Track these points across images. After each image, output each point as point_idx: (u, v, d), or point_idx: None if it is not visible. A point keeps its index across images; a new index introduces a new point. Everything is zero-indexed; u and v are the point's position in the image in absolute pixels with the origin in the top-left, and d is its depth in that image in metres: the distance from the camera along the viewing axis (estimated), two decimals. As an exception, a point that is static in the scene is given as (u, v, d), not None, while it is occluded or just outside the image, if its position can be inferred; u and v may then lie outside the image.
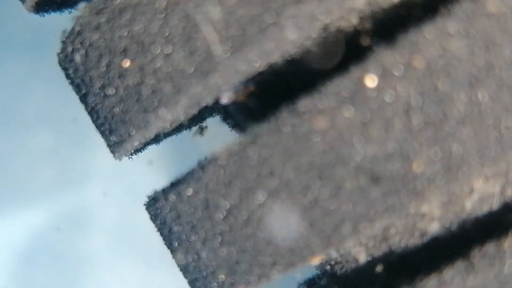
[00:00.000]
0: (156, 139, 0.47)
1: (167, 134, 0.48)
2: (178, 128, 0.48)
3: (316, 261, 0.43)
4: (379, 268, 0.44)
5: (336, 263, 0.45)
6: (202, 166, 0.42)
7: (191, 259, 0.43)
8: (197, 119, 0.49)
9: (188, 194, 0.43)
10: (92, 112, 0.44)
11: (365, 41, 0.42)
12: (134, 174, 0.73)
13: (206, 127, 0.60)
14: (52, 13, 0.53)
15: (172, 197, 0.43)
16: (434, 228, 0.42)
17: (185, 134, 0.54)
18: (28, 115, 0.73)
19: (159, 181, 0.47)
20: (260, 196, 0.41)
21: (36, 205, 0.72)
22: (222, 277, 0.42)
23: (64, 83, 0.46)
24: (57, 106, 0.73)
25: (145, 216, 0.72)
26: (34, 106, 0.73)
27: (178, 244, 0.44)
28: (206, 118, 0.52)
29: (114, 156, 0.44)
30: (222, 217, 0.42)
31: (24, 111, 0.73)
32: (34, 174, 0.72)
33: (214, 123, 0.60)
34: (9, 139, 0.72)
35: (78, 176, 0.73)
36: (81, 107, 0.45)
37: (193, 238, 0.43)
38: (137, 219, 0.70)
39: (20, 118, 0.73)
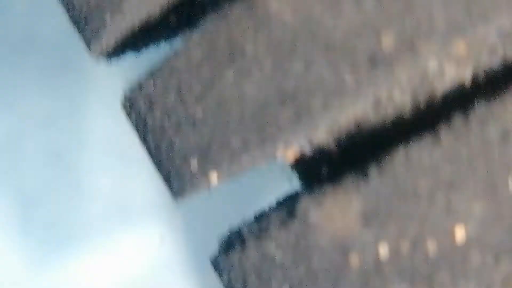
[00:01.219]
0: (135, 40, 0.47)
1: (147, 35, 0.47)
2: (160, 30, 0.48)
3: (290, 156, 0.43)
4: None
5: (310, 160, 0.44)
6: (174, 52, 0.42)
7: (164, 148, 0.43)
8: (182, 14, 0.48)
9: (161, 81, 0.43)
10: (68, 4, 0.44)
11: None
12: (126, 144, 0.73)
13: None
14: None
15: (146, 87, 0.43)
16: (402, 104, 0.42)
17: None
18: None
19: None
20: (231, 77, 0.41)
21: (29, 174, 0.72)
22: (194, 162, 0.42)
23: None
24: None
25: (140, 185, 0.73)
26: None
27: (152, 136, 0.44)
28: (192, 13, 0.50)
29: (90, 50, 0.44)
30: (194, 100, 0.42)
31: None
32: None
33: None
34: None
35: (71, 147, 0.73)
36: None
37: (166, 124, 0.43)
38: (131, 187, 0.71)
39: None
